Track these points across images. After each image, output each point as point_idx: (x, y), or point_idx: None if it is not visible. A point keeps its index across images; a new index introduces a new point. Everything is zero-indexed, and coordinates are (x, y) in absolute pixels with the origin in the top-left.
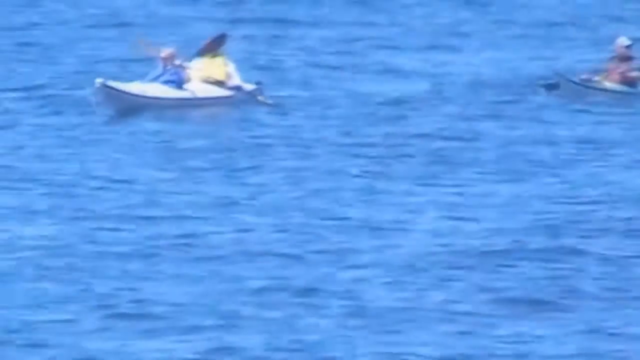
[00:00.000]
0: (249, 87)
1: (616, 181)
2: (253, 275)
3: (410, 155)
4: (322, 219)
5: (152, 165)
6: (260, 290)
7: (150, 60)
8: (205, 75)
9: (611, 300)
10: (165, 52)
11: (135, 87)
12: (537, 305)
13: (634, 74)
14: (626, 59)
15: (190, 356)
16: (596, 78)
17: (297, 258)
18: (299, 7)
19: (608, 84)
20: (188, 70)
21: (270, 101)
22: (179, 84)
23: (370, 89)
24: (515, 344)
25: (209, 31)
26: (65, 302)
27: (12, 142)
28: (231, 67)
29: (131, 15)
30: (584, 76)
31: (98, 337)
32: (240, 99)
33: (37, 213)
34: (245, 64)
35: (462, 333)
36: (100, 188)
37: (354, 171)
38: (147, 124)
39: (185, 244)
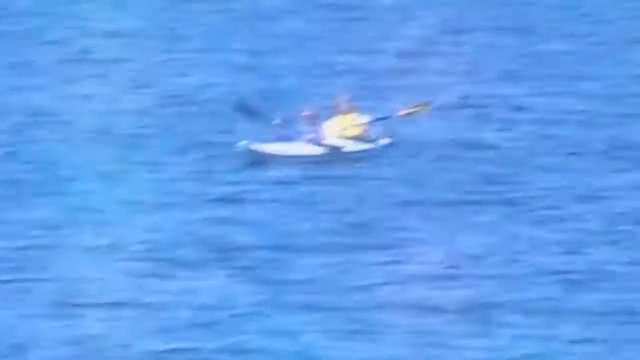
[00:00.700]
0: (384, 141)
1: None
2: None
3: None
4: None
5: None
6: None
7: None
8: (341, 132)
9: None
10: (308, 112)
11: (279, 148)
12: None
13: None
14: None
15: None
16: None
17: None
18: None
19: None
20: (326, 128)
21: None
22: (318, 141)
23: None
24: None
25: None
26: None
27: None
28: (365, 121)
29: None
30: None
31: None
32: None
33: None
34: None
35: None
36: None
37: None
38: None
39: None
